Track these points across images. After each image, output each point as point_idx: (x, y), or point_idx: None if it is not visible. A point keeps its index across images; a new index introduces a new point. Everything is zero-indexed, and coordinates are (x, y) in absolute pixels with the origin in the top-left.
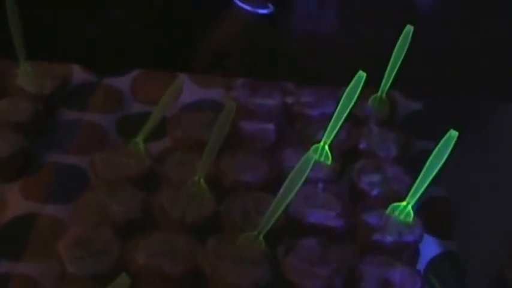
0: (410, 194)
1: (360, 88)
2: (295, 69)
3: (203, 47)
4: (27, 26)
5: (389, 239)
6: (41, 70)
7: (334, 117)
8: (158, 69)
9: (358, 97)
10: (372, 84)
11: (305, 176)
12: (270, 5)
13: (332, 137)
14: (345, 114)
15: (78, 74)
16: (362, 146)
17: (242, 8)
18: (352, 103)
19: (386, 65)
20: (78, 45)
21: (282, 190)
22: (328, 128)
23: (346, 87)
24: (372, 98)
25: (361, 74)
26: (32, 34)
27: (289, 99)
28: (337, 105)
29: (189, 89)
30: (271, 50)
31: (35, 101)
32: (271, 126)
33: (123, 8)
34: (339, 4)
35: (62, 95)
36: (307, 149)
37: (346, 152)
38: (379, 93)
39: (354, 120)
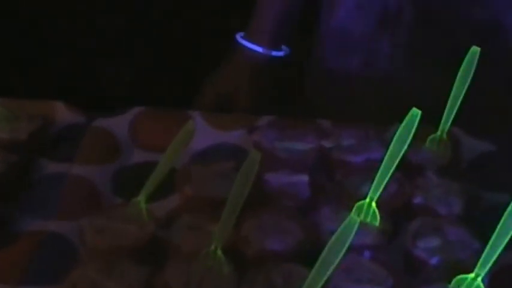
0: (479, 264)
1: (414, 129)
2: (329, 108)
3: (206, 88)
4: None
5: None
6: (14, 109)
7: (382, 165)
8: (162, 106)
9: (412, 139)
10: (428, 120)
11: (348, 243)
12: (284, 47)
13: (380, 190)
14: (397, 162)
15: (63, 114)
16: (417, 201)
17: (252, 50)
18: (405, 147)
19: (445, 97)
20: (63, 78)
21: (319, 261)
22: (376, 180)
23: (395, 126)
24: (429, 139)
25: (416, 112)
26: (5, 64)
27: (327, 143)
28: (386, 150)
29: (201, 131)
30: (296, 88)
31: (7, 150)
32: (304, 178)
33: (119, 35)
34: (381, 36)
35: (42, 141)
36: (350, 207)
37: (397, 210)
38: (438, 133)
39: (407, 168)
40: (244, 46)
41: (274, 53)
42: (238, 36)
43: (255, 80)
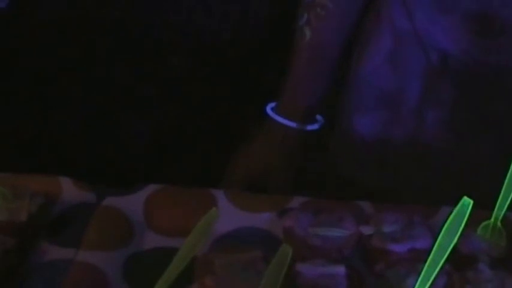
0: None
1: (465, 219)
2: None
3: (236, 166)
4: None
5: None
6: (14, 186)
7: (430, 258)
8: (180, 184)
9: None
10: (479, 204)
11: None
12: (319, 117)
13: (428, 286)
14: (446, 255)
15: (70, 190)
16: None
17: (284, 124)
18: (455, 240)
19: (499, 176)
20: (69, 152)
21: None
22: (422, 274)
23: (443, 210)
24: (481, 226)
25: (467, 201)
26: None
27: (366, 229)
28: (433, 238)
29: (225, 213)
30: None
31: (4, 233)
32: (341, 269)
33: (132, 105)
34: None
35: (43, 223)
36: None
37: None
38: (492, 220)
39: (457, 258)
40: (275, 120)
41: (309, 127)
42: (269, 109)
43: (289, 158)
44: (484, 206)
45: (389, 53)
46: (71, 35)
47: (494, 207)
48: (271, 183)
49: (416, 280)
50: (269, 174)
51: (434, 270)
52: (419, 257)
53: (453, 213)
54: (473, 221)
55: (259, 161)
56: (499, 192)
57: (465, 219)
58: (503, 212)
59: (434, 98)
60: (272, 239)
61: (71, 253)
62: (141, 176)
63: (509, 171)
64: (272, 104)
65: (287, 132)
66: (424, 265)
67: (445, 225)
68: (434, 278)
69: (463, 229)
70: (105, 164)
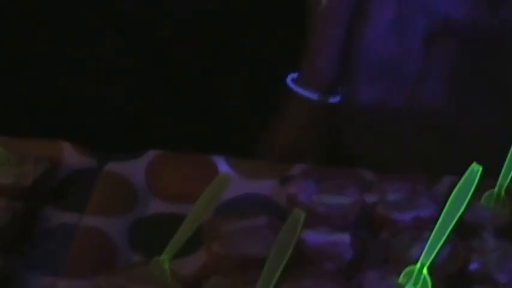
0: None
1: (473, 187)
2: (366, 154)
3: (267, 139)
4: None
5: None
6: (18, 151)
7: (436, 227)
8: (182, 150)
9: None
10: (484, 174)
11: None
12: (339, 89)
13: (433, 255)
14: (453, 224)
15: (72, 156)
16: (473, 267)
17: (306, 97)
18: (463, 208)
19: (504, 144)
20: (72, 116)
21: None
22: (429, 243)
23: (447, 179)
24: (485, 195)
25: (477, 167)
26: (6, 101)
27: (370, 197)
28: (437, 207)
29: None
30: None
31: (10, 198)
32: (346, 237)
33: (132, 64)
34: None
35: (48, 187)
36: (398, 272)
37: (451, 277)
38: (496, 189)
39: (461, 228)
40: (295, 93)
41: (332, 100)
42: (290, 81)
43: (314, 131)
44: (488, 175)
45: (393, 21)
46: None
47: (498, 176)
48: (303, 154)
49: (422, 249)
50: (300, 147)
51: (441, 238)
52: (424, 225)
53: (462, 180)
54: (477, 190)
55: (287, 134)
56: (504, 161)
57: (474, 185)
58: (507, 180)
59: (438, 64)
60: (275, 206)
61: (76, 218)
62: (140, 144)
63: None
64: (292, 75)
65: (311, 105)
66: (429, 233)
67: (453, 192)
68: (440, 247)
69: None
70: (102, 130)
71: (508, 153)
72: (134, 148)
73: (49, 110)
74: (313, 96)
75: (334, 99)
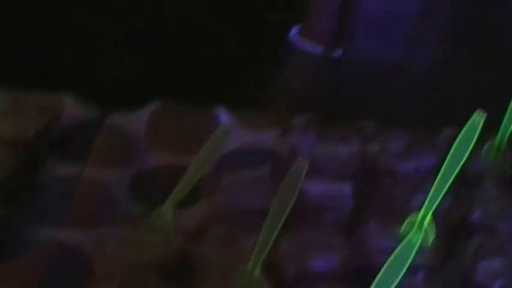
0: None
1: (476, 137)
2: (366, 106)
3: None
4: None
5: None
6: (19, 103)
7: (439, 176)
8: (184, 101)
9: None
10: (484, 126)
11: (406, 266)
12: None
13: (436, 204)
14: (455, 173)
15: (73, 109)
16: (476, 216)
17: (308, 51)
18: (466, 156)
19: (504, 96)
20: (72, 68)
21: (373, 286)
22: (431, 192)
23: (447, 130)
24: (486, 146)
25: (479, 116)
26: (8, 52)
27: (371, 147)
28: (438, 157)
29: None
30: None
31: (13, 149)
32: (347, 187)
33: (133, 19)
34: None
35: (50, 139)
36: (399, 221)
37: (453, 226)
38: (497, 140)
39: (462, 178)
40: (296, 47)
41: (336, 54)
42: (293, 35)
43: (315, 83)
44: (488, 127)
45: None
46: None
47: (499, 128)
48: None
49: (423, 198)
50: (300, 103)
51: (444, 187)
52: (426, 175)
53: (464, 128)
54: (479, 142)
55: (287, 90)
56: (504, 113)
57: (477, 134)
58: (508, 132)
59: (433, 17)
60: (276, 157)
61: (77, 170)
62: (141, 97)
63: None
64: (295, 29)
65: (312, 58)
66: (430, 183)
67: (456, 140)
68: (442, 197)
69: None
70: (104, 84)
71: (508, 105)
72: (136, 101)
73: (52, 63)
74: (315, 50)
75: (336, 54)
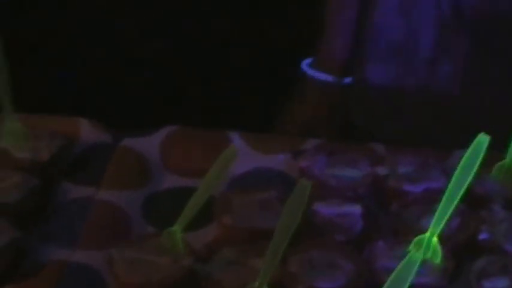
0: None
1: (481, 157)
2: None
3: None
4: (18, 67)
5: None
6: (35, 127)
7: (445, 196)
8: (197, 126)
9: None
10: (494, 146)
11: (408, 283)
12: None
13: (442, 225)
14: (461, 193)
15: (88, 132)
16: (483, 237)
17: (319, 80)
18: (471, 177)
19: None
20: (88, 94)
21: None
22: (437, 212)
23: (458, 152)
24: (496, 167)
25: (483, 138)
26: (25, 78)
27: (381, 170)
28: (448, 179)
29: (241, 154)
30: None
31: (28, 172)
32: (356, 208)
33: (148, 43)
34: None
35: (65, 162)
36: (408, 242)
37: (461, 246)
38: (506, 160)
39: (471, 199)
40: (312, 76)
41: (346, 80)
42: (305, 65)
43: (329, 113)
44: (499, 148)
45: (400, 3)
46: None
47: (508, 148)
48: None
49: (432, 220)
50: (311, 129)
51: (449, 208)
52: (435, 197)
53: (469, 150)
54: (487, 163)
55: (299, 117)
56: None
57: (481, 156)
58: None
59: (448, 48)
60: (287, 179)
61: (91, 192)
62: (154, 120)
63: None
64: (307, 61)
65: (325, 87)
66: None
67: (461, 162)
68: (449, 218)
69: (478, 170)
70: (116, 108)
71: None
72: (149, 125)
73: (68, 88)
74: (328, 78)
75: (347, 80)
